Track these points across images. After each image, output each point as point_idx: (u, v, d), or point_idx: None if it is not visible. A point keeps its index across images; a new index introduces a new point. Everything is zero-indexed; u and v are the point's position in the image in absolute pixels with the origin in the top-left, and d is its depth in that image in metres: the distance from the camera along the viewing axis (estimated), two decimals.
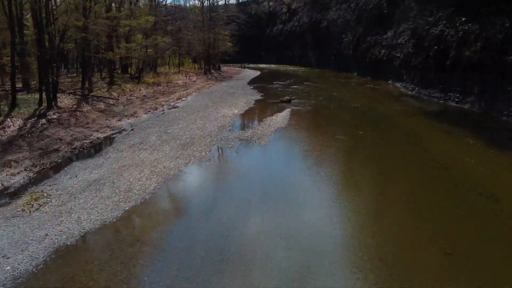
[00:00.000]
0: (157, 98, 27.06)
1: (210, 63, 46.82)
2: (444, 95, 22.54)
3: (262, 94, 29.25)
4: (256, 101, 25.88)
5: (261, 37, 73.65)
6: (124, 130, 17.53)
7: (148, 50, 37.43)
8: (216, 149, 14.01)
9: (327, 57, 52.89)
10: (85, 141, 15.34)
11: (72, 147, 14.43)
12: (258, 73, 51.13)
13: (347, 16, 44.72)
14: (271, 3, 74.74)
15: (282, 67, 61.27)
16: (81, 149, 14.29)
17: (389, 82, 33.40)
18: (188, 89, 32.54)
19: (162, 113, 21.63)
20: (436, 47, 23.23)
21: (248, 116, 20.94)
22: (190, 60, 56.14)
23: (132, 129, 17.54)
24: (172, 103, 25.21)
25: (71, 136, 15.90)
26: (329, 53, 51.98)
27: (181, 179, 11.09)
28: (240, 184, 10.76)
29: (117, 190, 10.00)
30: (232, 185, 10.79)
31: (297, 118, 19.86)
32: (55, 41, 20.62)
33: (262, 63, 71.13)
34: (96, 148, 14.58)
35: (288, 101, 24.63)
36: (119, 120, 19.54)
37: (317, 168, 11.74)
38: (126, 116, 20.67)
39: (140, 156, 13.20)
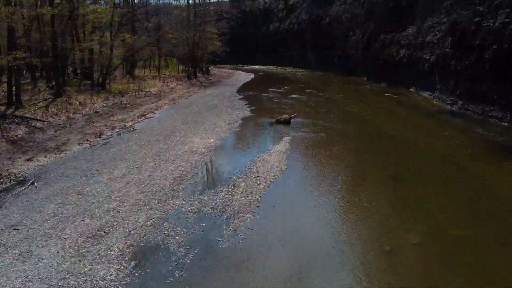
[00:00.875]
0: (112, 115, 19.91)
1: (196, 65, 39.61)
2: (509, 115, 15.51)
3: (253, 108, 22.13)
4: (244, 120, 18.77)
5: (256, 36, 66.47)
6: (21, 183, 10.44)
7: (116, 51, 30.28)
8: (141, 257, 6.87)
9: (329, 58, 45.80)
10: None
11: None
12: (251, 76, 44.02)
13: (354, 10, 37.61)
14: None
15: (278, 69, 54.18)
16: None
17: (412, 90, 26.36)
18: (161, 99, 25.39)
19: (105, 144, 14.50)
20: (495, 46, 16.18)
21: (227, 153, 13.74)
22: (178, 62, 48.89)
23: (33, 183, 10.41)
24: (130, 123, 18.09)
25: None
26: (331, 54, 44.90)
27: None
28: None
29: None
30: None
31: (302, 157, 12.73)
32: None
33: (257, 65, 64.10)
34: None
35: (287, 122, 17.53)
36: (29, 160, 12.43)
37: None
38: (47, 150, 13.55)
39: None
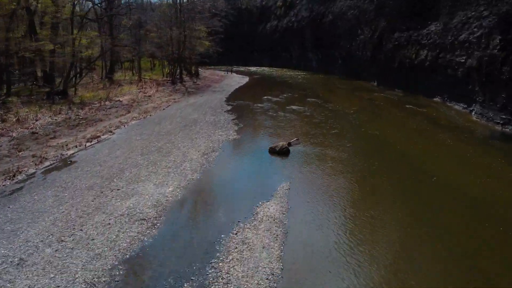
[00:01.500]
0: (54, 137, 14.79)
1: (182, 68, 34.48)
2: None
3: (241, 125, 17.05)
4: (226, 146, 13.72)
5: (252, 35, 61.34)
6: None
7: (84, 53, 25.14)
8: None
9: (332, 59, 40.75)
10: None
11: None
12: (245, 80, 38.92)
13: (362, 6, 32.50)
14: None
15: (276, 71, 49.07)
16: None
17: (438, 99, 21.34)
18: (130, 112, 20.31)
19: (11, 193, 9.44)
20: None
21: (186, 219, 8.36)
22: (166, 64, 43.62)
23: None
24: (70, 152, 13.02)
25: None
26: (335, 55, 39.85)
27: None
28: None
29: None
30: None
31: (310, 235, 7.55)
32: None
33: (253, 66, 59.07)
34: None
35: (285, 152, 12.45)
36: None
37: None
38: None
39: None
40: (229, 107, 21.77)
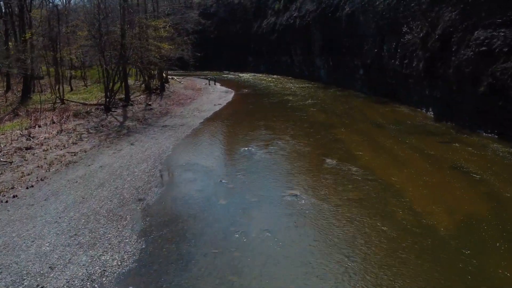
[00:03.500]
0: None
1: (125, 82, 22.18)
2: None
3: None
4: None
5: (247, 35, 48.97)
6: None
7: None
8: None
9: (349, 69, 28.42)
10: None
11: None
12: (229, 97, 26.64)
13: None
14: None
15: (274, 82, 36.69)
16: None
17: None
18: None
19: None
20: None
21: None
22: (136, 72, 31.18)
23: None
24: None
25: None
26: (353, 63, 27.51)
27: None
28: None
29: None
30: None
31: None
32: None
33: (247, 72, 46.96)
34: None
35: None
36: None
37: None
38: None
39: None
40: (156, 191, 9.42)
